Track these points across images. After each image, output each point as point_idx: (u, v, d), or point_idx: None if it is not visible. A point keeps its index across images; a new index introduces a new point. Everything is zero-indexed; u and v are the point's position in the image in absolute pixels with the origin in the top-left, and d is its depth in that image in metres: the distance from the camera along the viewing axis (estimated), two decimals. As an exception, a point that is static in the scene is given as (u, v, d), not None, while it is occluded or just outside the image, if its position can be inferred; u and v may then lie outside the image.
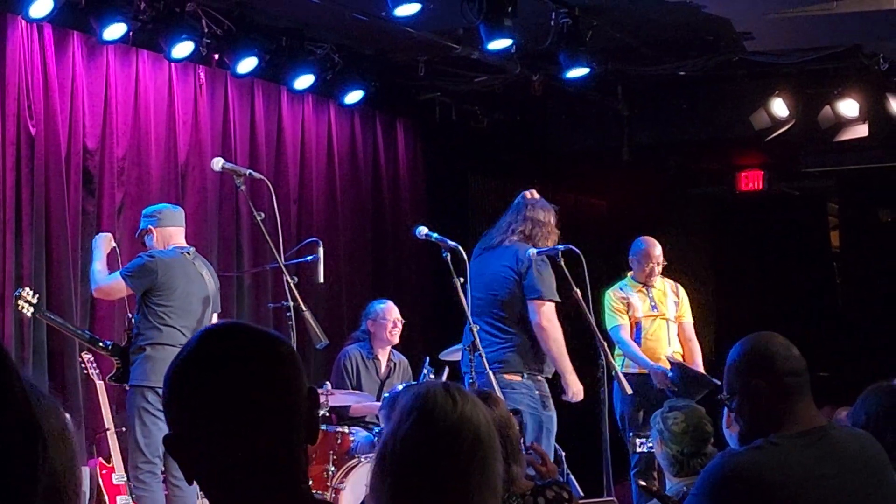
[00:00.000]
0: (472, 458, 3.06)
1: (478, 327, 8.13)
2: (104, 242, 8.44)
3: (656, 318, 9.99)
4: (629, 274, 10.19)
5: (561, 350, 8.58)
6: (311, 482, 8.42)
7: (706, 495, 3.83)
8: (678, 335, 10.13)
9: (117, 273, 8.16)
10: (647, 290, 10.04)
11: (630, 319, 9.93)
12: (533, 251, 8.85)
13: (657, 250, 10.03)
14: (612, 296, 10.01)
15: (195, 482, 2.32)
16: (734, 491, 3.75)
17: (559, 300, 8.66)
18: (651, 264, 9.99)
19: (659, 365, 9.72)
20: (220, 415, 2.25)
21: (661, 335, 9.98)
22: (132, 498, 8.20)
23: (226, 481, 2.28)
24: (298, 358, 2.37)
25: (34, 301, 8.00)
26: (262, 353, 2.31)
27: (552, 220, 8.83)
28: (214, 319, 8.47)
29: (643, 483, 5.69)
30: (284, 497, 2.27)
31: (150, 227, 8.28)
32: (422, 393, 3.14)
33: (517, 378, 8.39)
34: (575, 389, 8.66)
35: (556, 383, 8.74)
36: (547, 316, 8.54)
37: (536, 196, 8.92)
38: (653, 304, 10.01)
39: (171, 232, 8.29)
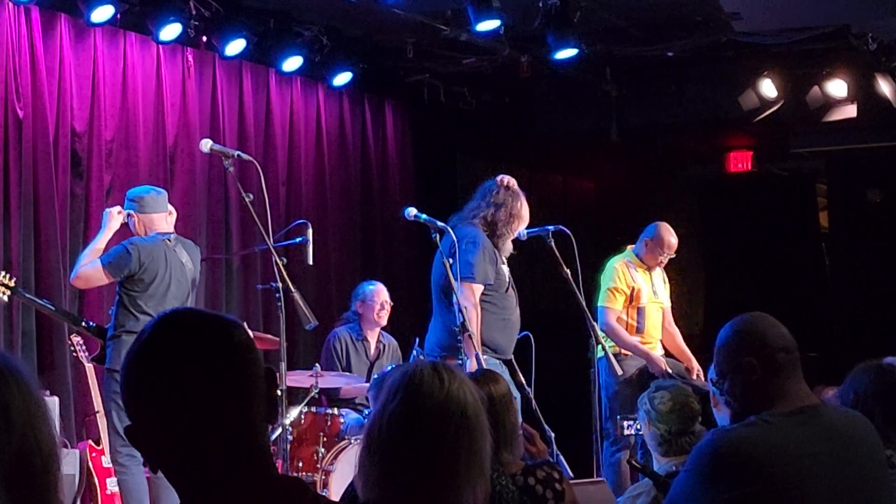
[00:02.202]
0: (459, 436, 3.06)
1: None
2: (109, 221, 8.29)
3: (655, 305, 9.81)
4: (629, 248, 9.88)
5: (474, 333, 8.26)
6: (301, 464, 8.38)
7: (697, 471, 3.83)
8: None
9: (98, 260, 8.12)
10: (649, 272, 9.80)
11: (632, 304, 9.63)
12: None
13: (674, 240, 9.75)
14: (619, 272, 9.62)
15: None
16: (726, 467, 3.75)
17: (486, 282, 8.42)
18: (664, 255, 9.72)
19: (655, 354, 9.55)
20: (177, 403, 2.24)
21: (658, 323, 9.81)
22: (120, 481, 8.23)
23: (189, 468, 2.27)
24: (253, 340, 2.37)
25: (11, 284, 7.95)
26: (216, 339, 2.30)
27: (519, 205, 8.65)
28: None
29: (634, 462, 5.68)
30: (250, 478, 2.27)
31: (131, 212, 8.26)
32: (409, 372, 3.15)
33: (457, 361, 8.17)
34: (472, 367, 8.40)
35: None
36: (465, 296, 8.26)
37: (511, 184, 8.76)
38: (654, 289, 9.79)
39: (152, 218, 8.25)
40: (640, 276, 9.73)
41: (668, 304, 10.02)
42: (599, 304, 9.52)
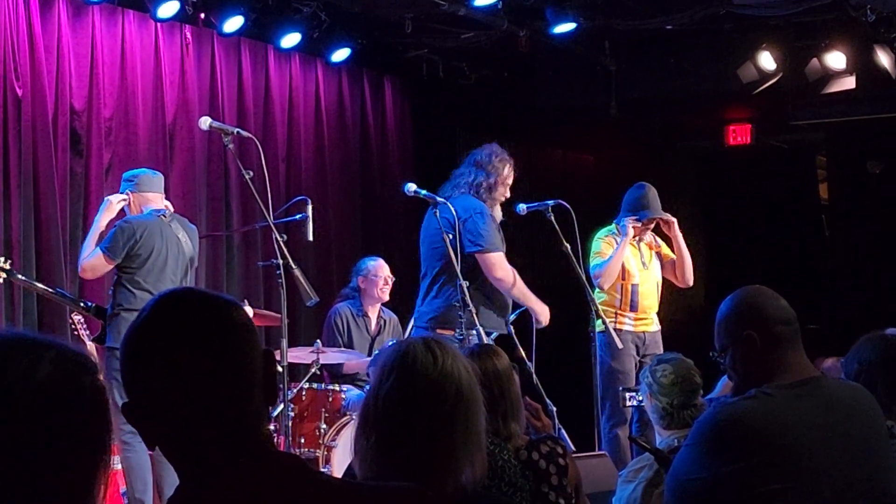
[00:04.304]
0: (454, 413, 3.06)
1: (467, 283, 8.07)
2: (106, 207, 8.35)
3: (650, 277, 9.54)
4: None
5: (522, 291, 8.37)
6: (303, 440, 8.40)
7: (699, 445, 3.83)
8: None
9: (97, 248, 8.14)
10: (636, 241, 9.55)
11: (625, 281, 9.40)
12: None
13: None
14: (606, 242, 9.47)
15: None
16: (727, 440, 3.75)
17: (503, 250, 8.39)
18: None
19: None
20: (174, 382, 2.25)
21: (652, 293, 9.54)
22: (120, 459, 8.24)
23: (186, 447, 2.28)
24: (251, 321, 2.37)
25: (6, 267, 7.95)
26: (214, 319, 2.31)
27: (505, 171, 8.54)
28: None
29: (637, 438, 5.70)
30: (247, 457, 2.27)
31: (127, 192, 8.29)
32: (402, 350, 3.15)
33: (449, 333, 8.12)
34: (543, 313, 8.46)
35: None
36: (498, 265, 8.28)
37: (489, 147, 8.72)
38: (642, 260, 9.54)
39: (147, 197, 8.29)
40: (629, 250, 9.48)
41: (658, 272, 9.74)
42: (592, 271, 9.36)
